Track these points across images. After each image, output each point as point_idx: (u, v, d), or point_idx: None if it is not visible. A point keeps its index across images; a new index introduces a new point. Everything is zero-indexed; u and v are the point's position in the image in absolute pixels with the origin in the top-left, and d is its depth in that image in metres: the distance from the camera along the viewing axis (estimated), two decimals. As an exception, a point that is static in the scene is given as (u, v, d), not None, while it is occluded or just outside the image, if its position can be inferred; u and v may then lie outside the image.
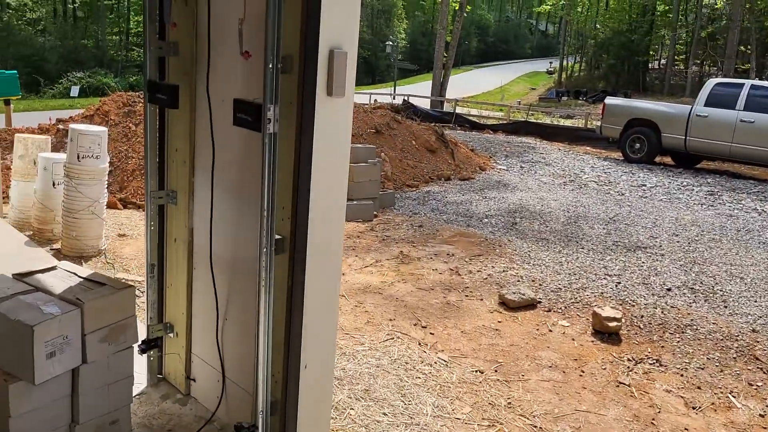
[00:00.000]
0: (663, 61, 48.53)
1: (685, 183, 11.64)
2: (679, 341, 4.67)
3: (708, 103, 13.11)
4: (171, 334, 3.16)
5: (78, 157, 5.23)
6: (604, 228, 7.82)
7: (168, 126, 3.01)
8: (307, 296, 2.45)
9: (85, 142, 5.23)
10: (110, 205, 6.64)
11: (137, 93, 9.34)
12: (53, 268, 2.66)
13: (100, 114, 8.59)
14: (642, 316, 5.03)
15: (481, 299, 5.25)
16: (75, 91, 28.61)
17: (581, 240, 7.21)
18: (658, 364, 4.33)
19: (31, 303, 2.32)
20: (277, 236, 2.41)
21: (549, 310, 5.11)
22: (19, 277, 2.55)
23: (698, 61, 40.81)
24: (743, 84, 13.22)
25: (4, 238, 5.41)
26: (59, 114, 14.68)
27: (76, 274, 2.61)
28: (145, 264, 3.14)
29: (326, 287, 2.54)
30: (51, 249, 5.48)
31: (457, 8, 28.04)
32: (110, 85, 32.35)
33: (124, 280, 4.91)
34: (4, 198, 6.41)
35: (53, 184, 5.61)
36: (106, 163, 5.49)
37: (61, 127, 8.47)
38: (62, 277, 2.57)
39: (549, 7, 45.06)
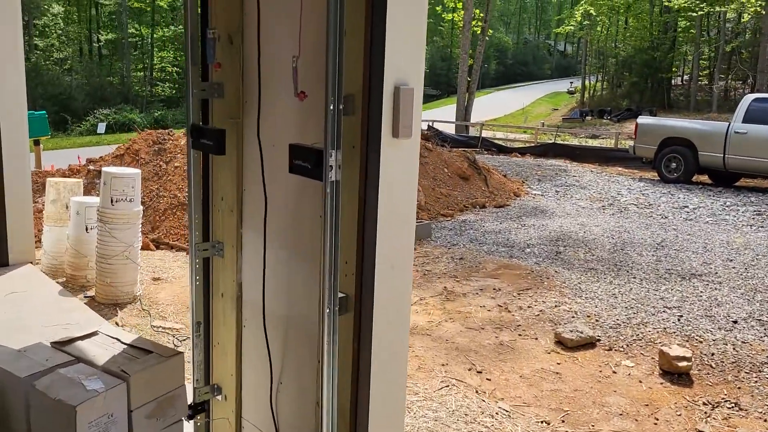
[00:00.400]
0: (686, 77, 47.88)
1: (728, 203, 11.21)
2: (756, 381, 4.32)
3: (746, 120, 12.74)
4: (219, 397, 2.90)
5: (111, 201, 5.07)
6: (653, 254, 7.46)
7: (212, 172, 2.79)
8: (375, 360, 2.20)
9: (119, 186, 5.07)
10: (143, 247, 6.46)
11: (167, 130, 9.24)
12: (94, 334, 2.43)
13: (130, 153, 8.49)
14: (712, 354, 4.68)
15: (536, 338, 4.95)
16: (102, 127, 28.89)
17: (631, 269, 6.87)
18: (737, 408, 3.99)
19: (73, 377, 2.10)
20: (340, 294, 2.17)
21: (610, 349, 4.79)
22: (59, 345, 2.33)
23: (722, 76, 40.14)
24: (782, 98, 12.86)
25: (37, 286, 5.24)
26: (87, 151, 14.76)
27: (119, 340, 2.38)
28: (182, 311, 2.92)
29: (395, 348, 2.28)
30: (85, 296, 5.29)
31: (478, 32, 27.94)
32: (135, 120, 32.69)
33: (161, 328, 4.71)
34: (35, 243, 6.26)
35: (86, 229, 5.44)
36: (140, 206, 5.32)
37: (91, 167, 8.38)
38: (104, 345, 2.34)
39: (570, 27, 44.70)
